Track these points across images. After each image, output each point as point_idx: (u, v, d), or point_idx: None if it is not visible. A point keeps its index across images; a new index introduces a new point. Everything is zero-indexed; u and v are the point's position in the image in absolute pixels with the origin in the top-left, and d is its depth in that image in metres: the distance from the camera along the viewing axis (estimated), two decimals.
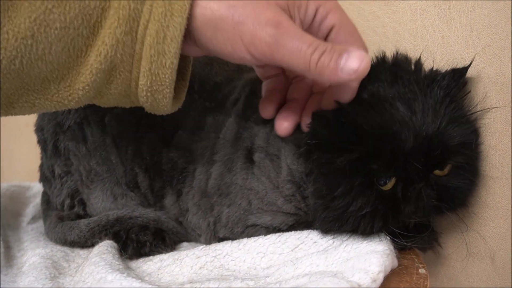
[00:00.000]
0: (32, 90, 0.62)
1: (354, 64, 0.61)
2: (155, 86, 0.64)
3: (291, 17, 0.66)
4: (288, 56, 0.62)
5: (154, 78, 0.64)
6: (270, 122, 0.76)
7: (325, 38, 0.69)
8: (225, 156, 0.78)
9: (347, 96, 0.69)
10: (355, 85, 0.68)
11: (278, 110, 0.75)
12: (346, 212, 0.67)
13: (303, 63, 0.62)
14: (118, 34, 0.61)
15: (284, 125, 0.73)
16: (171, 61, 0.63)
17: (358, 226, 0.68)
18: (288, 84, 0.78)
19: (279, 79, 0.77)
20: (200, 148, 0.80)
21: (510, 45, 0.70)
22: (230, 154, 0.78)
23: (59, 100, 0.64)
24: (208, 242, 0.81)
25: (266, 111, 0.76)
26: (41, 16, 0.58)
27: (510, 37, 0.69)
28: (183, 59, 0.66)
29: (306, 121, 0.71)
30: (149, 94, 0.65)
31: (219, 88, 0.83)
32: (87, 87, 0.63)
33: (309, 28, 0.68)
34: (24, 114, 0.65)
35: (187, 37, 0.64)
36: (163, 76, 0.63)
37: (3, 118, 1.46)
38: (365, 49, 0.69)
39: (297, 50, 0.62)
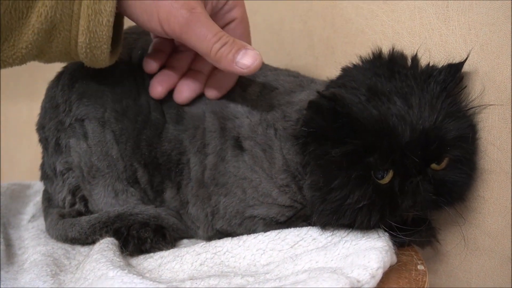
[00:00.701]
0: None
1: (248, 61, 0.72)
2: (93, 43, 0.70)
3: (205, 2, 0.74)
4: (194, 39, 0.72)
5: (92, 36, 0.70)
6: (251, 113, 0.80)
7: (223, 27, 0.78)
8: (216, 147, 0.80)
9: (229, 83, 0.82)
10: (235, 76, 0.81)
11: (160, 68, 0.83)
12: (343, 205, 0.68)
13: (205, 49, 0.73)
14: None
15: (158, 89, 0.82)
16: (107, 19, 0.69)
17: (355, 219, 0.68)
18: (173, 48, 0.85)
19: (167, 42, 0.84)
20: (187, 138, 0.82)
21: (508, 43, 0.70)
22: (221, 145, 0.80)
23: (3, 59, 0.69)
24: (206, 234, 0.82)
25: (149, 66, 0.83)
26: None
27: (508, 35, 0.70)
28: (117, 16, 0.71)
29: (212, 92, 0.82)
30: (88, 50, 0.71)
31: None
32: (29, 46, 0.68)
33: (215, 14, 0.78)
34: None
35: None
36: (101, 33, 0.70)
37: (4, 118, 1.46)
38: (249, 45, 0.76)
39: (203, 36, 0.71)
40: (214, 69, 0.82)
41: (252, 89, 0.82)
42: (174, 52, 0.84)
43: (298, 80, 0.83)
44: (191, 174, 0.81)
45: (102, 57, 0.72)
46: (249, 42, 0.82)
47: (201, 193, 0.81)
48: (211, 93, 0.82)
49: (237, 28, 0.81)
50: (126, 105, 0.83)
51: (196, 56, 0.83)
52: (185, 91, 0.82)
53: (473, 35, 0.73)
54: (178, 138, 0.82)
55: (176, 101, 0.82)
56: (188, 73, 0.83)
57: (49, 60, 0.74)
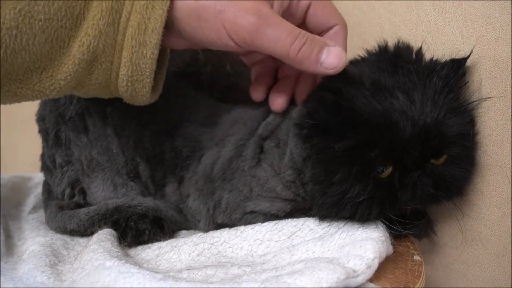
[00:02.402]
0: (14, 80, 0.64)
1: (334, 61, 0.68)
2: (135, 76, 0.67)
3: (271, 1, 0.68)
4: (268, 44, 0.66)
5: (134, 68, 0.66)
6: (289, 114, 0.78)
7: (305, 15, 0.73)
8: (240, 141, 0.79)
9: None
10: None
11: (269, 91, 0.78)
12: (344, 199, 0.68)
13: (282, 51, 0.66)
14: (101, 26, 0.63)
15: (277, 101, 0.77)
16: (151, 51, 0.65)
17: (356, 213, 0.69)
18: (277, 66, 0.80)
19: (266, 64, 0.80)
20: (210, 139, 0.82)
21: (504, 35, 0.70)
22: (245, 140, 0.79)
23: (40, 90, 0.65)
24: (207, 227, 0.82)
25: (256, 94, 0.79)
26: (26, 7, 0.59)
27: (504, 27, 0.70)
28: (161, 51, 0.68)
29: (300, 95, 0.76)
30: (129, 84, 0.67)
31: (232, 88, 0.86)
32: (69, 77, 0.65)
33: (288, 7, 0.72)
34: (5, 103, 0.66)
35: (171, 29, 0.66)
36: (144, 66, 0.66)
37: (6, 110, 1.46)
38: (343, 21, 0.73)
39: (277, 38, 0.65)
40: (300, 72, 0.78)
41: None
42: (282, 66, 0.80)
43: None
44: (198, 168, 0.81)
45: (143, 92, 0.69)
46: (338, 16, 0.75)
47: (205, 188, 0.81)
48: (301, 98, 0.78)
49: (316, 11, 0.74)
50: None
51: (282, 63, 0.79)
52: (278, 98, 0.78)
53: (469, 27, 0.73)
54: (198, 138, 0.82)
55: (273, 109, 0.78)
56: (279, 80, 0.79)
57: (87, 93, 0.70)
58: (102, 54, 0.65)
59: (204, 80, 0.85)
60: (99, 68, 0.66)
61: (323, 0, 0.74)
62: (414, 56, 0.74)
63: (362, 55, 0.76)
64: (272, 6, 0.68)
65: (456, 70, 0.71)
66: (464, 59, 0.73)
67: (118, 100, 0.78)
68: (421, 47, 0.74)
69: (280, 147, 0.76)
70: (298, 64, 0.68)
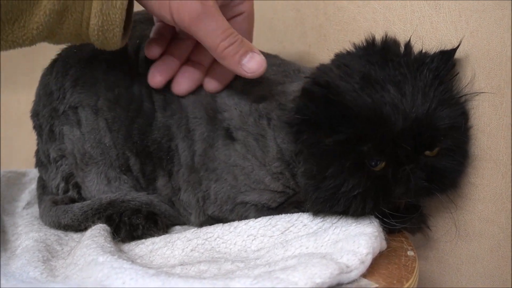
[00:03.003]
0: None
1: (253, 66, 0.74)
2: (105, 26, 0.70)
3: None
4: (202, 33, 0.71)
5: (105, 18, 0.69)
6: (239, 104, 0.80)
7: (230, 19, 0.78)
8: (203, 134, 0.80)
9: (228, 77, 0.82)
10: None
11: (162, 55, 0.82)
12: (337, 193, 0.68)
13: (212, 44, 0.73)
14: None
15: (157, 79, 0.81)
16: (121, 1, 0.68)
17: (350, 207, 0.69)
18: (173, 34, 0.84)
19: (169, 27, 0.83)
20: (175, 123, 0.82)
21: (498, 30, 0.70)
22: (209, 132, 0.80)
23: (14, 40, 0.68)
24: (198, 219, 0.83)
25: (151, 52, 0.82)
26: None
27: (498, 22, 0.70)
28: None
29: (211, 85, 0.81)
30: (100, 33, 0.70)
31: None
32: (40, 27, 0.68)
33: (225, 5, 0.77)
34: None
35: None
36: (114, 16, 0.69)
37: (3, 107, 1.46)
38: (255, 48, 0.76)
39: (212, 31, 0.71)
40: (214, 61, 0.81)
41: (235, 82, 0.82)
42: (175, 39, 0.84)
43: (281, 69, 0.83)
44: (181, 160, 0.82)
45: (114, 40, 0.72)
46: (251, 39, 0.82)
47: (192, 178, 0.81)
48: (210, 86, 0.82)
49: (243, 23, 0.81)
50: (118, 93, 0.83)
51: (197, 46, 0.82)
52: (185, 82, 0.82)
53: (463, 22, 0.73)
54: (166, 124, 0.82)
55: (174, 92, 0.82)
56: (187, 63, 0.83)
57: (59, 41, 0.73)
58: (72, 5, 0.68)
59: None
60: (69, 18, 0.69)
61: (251, 18, 0.82)
62: (403, 49, 0.74)
63: (348, 49, 0.76)
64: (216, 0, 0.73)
65: (446, 61, 0.72)
66: (453, 50, 0.73)
67: (108, 93, 0.82)
68: (409, 40, 0.74)
69: (259, 140, 0.76)
70: (221, 59, 0.74)
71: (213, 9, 0.71)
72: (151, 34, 0.83)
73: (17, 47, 0.69)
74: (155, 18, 0.84)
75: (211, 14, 0.71)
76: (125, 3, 0.69)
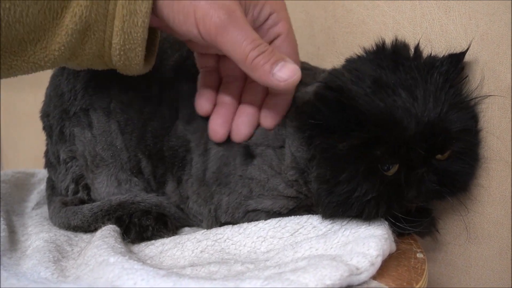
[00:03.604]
0: (9, 52, 0.65)
1: (286, 74, 0.68)
2: (127, 45, 0.68)
3: (245, 12, 0.70)
4: (230, 43, 0.67)
5: (126, 37, 0.67)
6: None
7: (269, 43, 0.73)
8: (218, 153, 0.79)
9: (283, 107, 0.77)
10: (288, 98, 0.76)
11: (213, 108, 0.79)
12: (351, 198, 0.68)
13: (240, 55, 0.68)
14: None
15: (220, 133, 0.78)
16: (142, 20, 0.66)
17: (363, 212, 0.69)
18: (220, 82, 0.81)
19: (213, 76, 0.81)
20: (194, 140, 0.81)
21: (508, 33, 0.70)
22: (223, 151, 0.79)
23: (35, 62, 0.67)
24: (210, 227, 0.82)
25: (203, 109, 0.79)
26: None
27: (508, 25, 0.70)
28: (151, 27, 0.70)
29: (267, 121, 0.77)
30: (122, 52, 0.69)
31: None
32: (62, 48, 0.66)
33: (258, 28, 0.74)
34: (1, 77, 0.68)
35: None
36: (135, 34, 0.67)
37: (9, 106, 1.46)
38: (298, 65, 0.73)
39: (240, 41, 0.67)
40: (266, 96, 0.78)
41: None
42: (222, 86, 0.81)
43: (312, 72, 0.82)
44: (192, 171, 0.81)
45: (136, 61, 0.70)
46: (297, 60, 0.77)
47: (202, 191, 0.81)
48: (267, 122, 0.78)
49: (283, 45, 0.76)
50: (132, 96, 0.83)
51: (245, 88, 0.80)
52: (243, 128, 0.78)
53: (473, 25, 0.73)
54: (186, 137, 0.82)
55: (236, 140, 0.78)
56: (241, 107, 0.79)
57: (81, 63, 0.71)
58: (94, 24, 0.66)
59: (195, 72, 0.84)
60: (92, 38, 0.68)
61: (292, 38, 0.77)
62: (413, 52, 0.74)
63: (359, 54, 0.76)
64: (245, 13, 0.70)
65: (456, 64, 0.72)
66: (463, 53, 0.73)
67: (122, 95, 0.81)
68: (419, 43, 0.74)
69: (277, 149, 0.76)
70: (251, 71, 0.69)
71: (240, 18, 0.68)
72: (198, 88, 0.81)
73: (38, 70, 0.68)
74: (195, 55, 0.82)
75: (238, 23, 0.67)
76: (147, 21, 0.67)
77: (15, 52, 0.65)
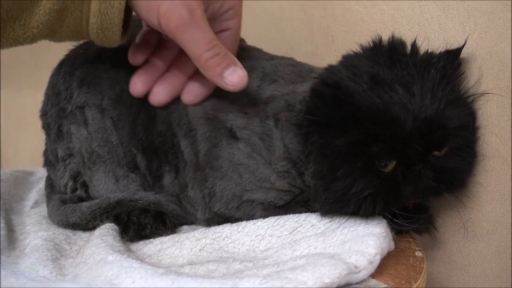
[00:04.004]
0: None
1: (235, 80, 0.74)
2: (104, 25, 0.71)
3: (207, 6, 0.74)
4: (188, 41, 0.72)
5: (103, 17, 0.70)
6: (247, 106, 0.79)
7: (216, 33, 0.76)
8: (205, 133, 0.80)
9: (207, 91, 0.81)
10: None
11: (145, 63, 0.82)
12: (348, 194, 0.68)
13: (196, 53, 0.73)
14: None
15: (139, 89, 0.82)
16: (119, 1, 0.69)
17: (360, 208, 0.69)
18: (159, 41, 0.84)
19: (154, 35, 0.83)
20: (175, 121, 0.82)
21: (506, 31, 0.70)
22: (211, 131, 0.80)
23: (15, 38, 0.69)
24: (204, 215, 0.83)
25: (135, 59, 0.82)
26: None
27: (507, 23, 0.70)
28: None
29: (188, 97, 0.81)
30: (99, 31, 0.72)
31: None
32: (41, 25, 0.69)
33: (213, 19, 0.77)
34: None
35: None
36: (112, 15, 0.70)
37: (8, 106, 1.46)
38: (238, 62, 0.77)
39: (197, 40, 0.71)
40: (195, 74, 0.81)
41: (251, 82, 0.80)
42: (159, 47, 0.84)
43: (297, 69, 0.83)
44: (184, 156, 0.82)
45: (113, 38, 0.73)
46: (235, 55, 0.79)
47: (197, 176, 0.81)
48: (187, 98, 0.81)
49: (228, 39, 0.80)
50: (120, 90, 0.84)
51: (179, 56, 0.82)
52: (162, 93, 0.82)
53: (472, 23, 0.73)
54: (168, 120, 0.82)
55: (151, 102, 0.82)
56: (167, 74, 0.83)
57: (60, 39, 0.74)
58: (71, 4, 0.69)
59: None
60: (69, 17, 0.70)
61: (237, 35, 0.82)
62: (409, 49, 0.74)
63: (355, 50, 0.76)
64: (206, 10, 0.74)
65: (452, 60, 0.72)
66: (459, 49, 0.73)
67: (111, 91, 0.83)
68: (415, 40, 0.74)
69: (265, 140, 0.76)
70: (203, 69, 0.74)
71: (201, 19, 0.72)
72: (137, 40, 0.83)
73: (18, 45, 0.71)
74: (143, 23, 0.84)
75: (198, 23, 0.71)
76: (123, 3, 0.69)
77: None
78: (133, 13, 0.76)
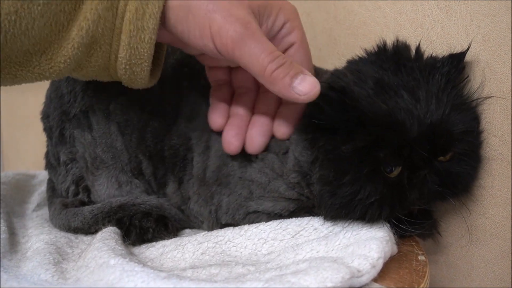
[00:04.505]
0: (14, 63, 0.65)
1: (306, 88, 0.66)
2: (133, 60, 0.68)
3: (260, 22, 0.69)
4: (247, 57, 0.66)
5: (133, 52, 0.67)
6: None
7: (283, 52, 0.72)
8: (219, 151, 0.79)
9: (296, 116, 0.75)
10: (302, 106, 0.74)
11: (226, 122, 0.78)
12: (354, 200, 0.67)
13: (259, 68, 0.67)
14: (100, 10, 0.64)
15: (235, 144, 0.77)
16: (149, 36, 0.66)
17: (366, 214, 0.68)
18: (232, 94, 0.80)
19: (226, 89, 0.80)
20: (195, 138, 0.81)
21: (510, 34, 0.70)
22: (223, 150, 0.78)
23: (40, 72, 0.66)
24: (211, 228, 0.82)
25: (216, 124, 0.78)
26: None
27: (510, 26, 0.70)
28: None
29: (280, 130, 0.76)
30: (127, 67, 0.68)
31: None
32: (68, 60, 0.66)
33: (272, 39, 0.72)
34: (5, 85, 0.68)
35: (161, 18, 0.67)
36: (142, 50, 0.67)
37: (10, 108, 1.46)
38: (312, 72, 0.72)
39: (257, 53, 0.66)
40: (279, 107, 0.78)
41: None
42: (235, 98, 0.80)
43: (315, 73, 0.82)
44: (193, 171, 0.81)
45: (141, 75, 0.70)
46: (311, 69, 0.77)
47: (202, 192, 0.81)
48: (281, 132, 0.77)
49: (296, 54, 0.75)
50: (132, 96, 0.83)
51: (258, 98, 0.79)
52: (258, 139, 0.77)
53: (475, 26, 0.73)
54: (187, 135, 0.82)
55: (250, 152, 0.77)
56: (254, 118, 0.78)
57: (86, 75, 0.71)
58: (101, 38, 0.66)
59: (199, 70, 0.83)
60: (98, 51, 0.67)
61: (306, 47, 0.76)
62: (414, 53, 0.74)
63: (360, 55, 0.76)
64: (260, 24, 0.70)
65: (457, 64, 0.72)
66: (463, 53, 0.73)
67: (121, 96, 0.81)
68: (419, 44, 0.74)
69: (279, 154, 0.76)
70: (270, 84, 0.68)
71: (257, 31, 0.67)
72: (210, 102, 0.80)
73: (43, 80, 0.68)
74: (206, 69, 0.81)
75: (255, 36, 0.66)
76: (154, 38, 0.66)
77: (20, 62, 0.65)
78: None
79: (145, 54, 0.67)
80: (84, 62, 0.68)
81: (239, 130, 0.77)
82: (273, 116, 0.77)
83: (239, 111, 0.78)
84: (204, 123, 0.80)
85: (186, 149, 0.82)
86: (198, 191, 0.81)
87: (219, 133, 0.79)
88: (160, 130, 0.83)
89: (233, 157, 0.78)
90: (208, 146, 0.80)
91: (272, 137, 0.77)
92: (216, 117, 0.78)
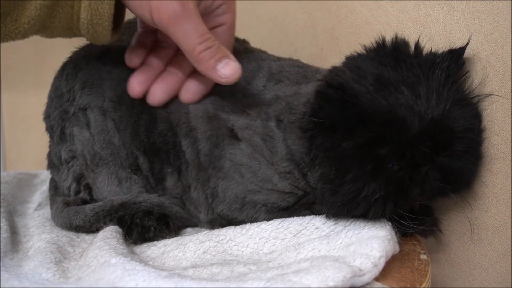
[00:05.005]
0: None
1: (228, 72, 0.75)
2: (95, 20, 0.72)
3: (198, 1, 0.74)
4: (180, 34, 0.72)
5: (94, 13, 0.71)
6: (250, 106, 0.79)
7: (210, 29, 0.77)
8: (206, 132, 0.80)
9: (206, 89, 0.81)
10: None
11: (142, 63, 0.82)
12: (358, 197, 0.67)
13: (189, 46, 0.74)
14: None
15: (136, 89, 0.82)
16: None
17: (369, 211, 0.68)
18: (154, 43, 0.84)
19: (150, 37, 0.84)
20: (175, 119, 0.82)
21: None
22: (211, 131, 0.79)
23: (6, 33, 0.70)
24: (206, 216, 0.83)
25: (131, 61, 0.83)
26: None
27: None
28: None
29: (186, 95, 0.81)
30: (90, 27, 0.72)
31: None
32: (32, 21, 0.70)
33: (206, 14, 0.78)
34: None
35: None
36: (102, 11, 0.71)
37: (12, 108, 1.47)
38: (231, 55, 0.77)
39: (189, 34, 0.72)
40: (192, 72, 0.81)
41: (257, 82, 0.81)
42: (155, 48, 0.84)
43: (303, 70, 0.82)
44: (186, 156, 0.82)
45: (103, 34, 0.73)
46: (231, 51, 0.81)
47: (201, 176, 0.81)
48: (185, 96, 0.82)
49: (223, 34, 0.81)
50: (121, 91, 0.84)
51: (176, 56, 0.83)
52: (159, 93, 0.82)
53: (477, 25, 0.73)
54: (168, 119, 0.83)
55: (149, 102, 0.82)
56: (164, 74, 0.83)
57: (51, 34, 0.75)
58: (62, 0, 0.70)
59: None
60: (60, 13, 0.71)
61: (232, 30, 0.83)
62: (413, 49, 0.73)
63: (359, 51, 0.76)
64: (197, 5, 0.74)
65: (456, 60, 0.72)
66: (462, 48, 0.73)
67: (113, 92, 0.83)
68: (419, 40, 0.74)
69: (267, 140, 0.76)
70: (197, 63, 0.75)
71: (193, 11, 0.72)
72: (132, 42, 0.84)
73: (10, 40, 0.72)
74: (137, 23, 0.85)
75: (190, 16, 0.72)
76: None
77: None
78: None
79: (106, 15, 0.71)
80: (47, 23, 0.72)
81: (145, 78, 0.82)
82: (183, 79, 0.82)
83: (153, 62, 0.83)
84: (178, 105, 0.82)
85: (173, 135, 0.82)
86: (197, 177, 0.82)
87: (200, 114, 0.81)
88: (150, 122, 0.83)
89: (223, 137, 0.79)
90: (190, 128, 0.81)
91: (257, 116, 0.78)
92: (132, 56, 0.83)
